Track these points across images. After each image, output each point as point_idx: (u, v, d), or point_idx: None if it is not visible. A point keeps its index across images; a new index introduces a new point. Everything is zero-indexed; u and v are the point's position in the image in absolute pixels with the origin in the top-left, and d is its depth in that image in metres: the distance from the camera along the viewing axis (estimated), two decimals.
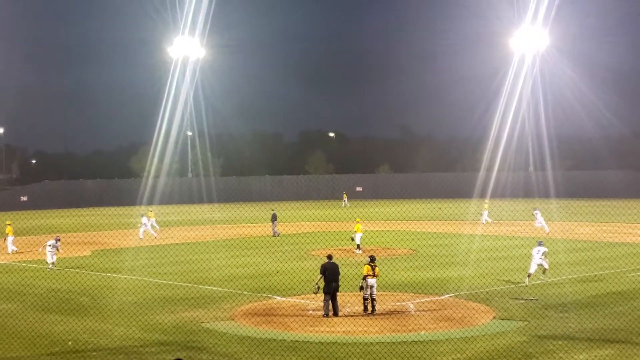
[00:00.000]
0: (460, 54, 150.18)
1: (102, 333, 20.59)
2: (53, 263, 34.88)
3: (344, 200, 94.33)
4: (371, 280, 22.44)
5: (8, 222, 42.87)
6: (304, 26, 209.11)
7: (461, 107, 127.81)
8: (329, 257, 22.92)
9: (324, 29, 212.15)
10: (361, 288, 22.69)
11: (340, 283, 22.34)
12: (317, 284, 22.44)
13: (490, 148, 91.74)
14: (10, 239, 41.53)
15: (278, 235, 49.97)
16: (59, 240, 35.65)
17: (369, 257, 23.17)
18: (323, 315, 22.15)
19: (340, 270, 22.56)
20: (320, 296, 22.60)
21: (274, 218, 50.83)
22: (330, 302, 22.24)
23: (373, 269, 22.53)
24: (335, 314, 22.20)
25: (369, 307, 22.67)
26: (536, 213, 51.62)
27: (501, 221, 57.00)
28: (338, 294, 22.46)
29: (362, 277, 22.74)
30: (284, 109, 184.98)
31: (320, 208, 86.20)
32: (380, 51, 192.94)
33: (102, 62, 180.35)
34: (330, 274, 22.21)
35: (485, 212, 58.20)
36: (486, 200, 63.18)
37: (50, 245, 35.11)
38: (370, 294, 22.55)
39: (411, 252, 39.21)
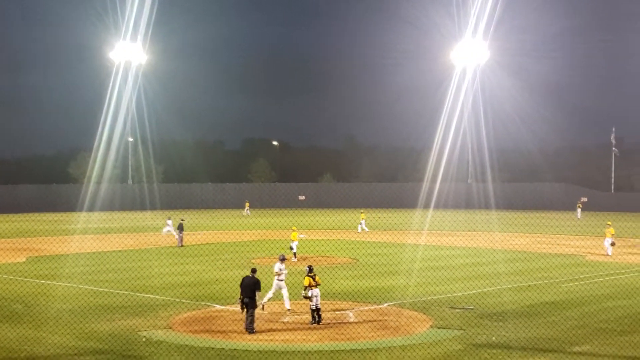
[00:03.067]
0: (403, 66, 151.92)
1: (36, 341, 20.14)
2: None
3: (246, 209, 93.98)
4: (315, 290, 22.30)
5: None
6: (248, 34, 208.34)
7: (405, 119, 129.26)
8: (253, 270, 21.92)
9: (269, 36, 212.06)
10: (308, 297, 22.46)
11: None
12: (239, 298, 21.33)
13: (433, 160, 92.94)
14: None
15: (181, 245, 47.65)
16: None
17: (307, 267, 23.10)
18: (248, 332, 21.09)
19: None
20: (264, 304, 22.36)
21: (180, 227, 48.50)
22: (251, 316, 21.11)
23: (314, 279, 22.44)
24: (249, 330, 21.02)
25: (316, 317, 22.50)
26: (169, 222, 52.80)
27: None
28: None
29: (302, 287, 22.66)
30: (227, 116, 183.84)
31: (263, 216, 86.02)
32: (326, 61, 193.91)
33: (43, 66, 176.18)
34: (245, 289, 21.17)
35: (363, 222, 60.69)
36: (362, 210, 65.41)
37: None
38: (315, 304, 22.40)
39: (352, 261, 39.43)
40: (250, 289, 21.15)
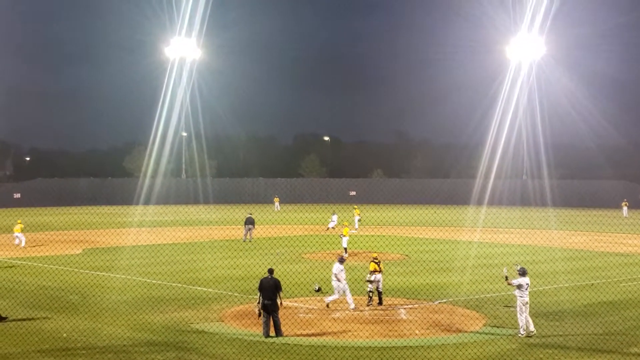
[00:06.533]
0: (457, 61, 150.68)
1: (91, 332, 20.45)
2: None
3: (276, 204, 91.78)
4: (377, 276, 24.32)
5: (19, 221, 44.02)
6: (301, 29, 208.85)
7: (458, 114, 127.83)
8: (270, 271, 20.70)
9: (321, 32, 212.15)
10: (370, 281, 24.38)
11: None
12: (258, 303, 20.24)
13: (487, 155, 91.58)
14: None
15: (250, 241, 46.96)
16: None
17: (373, 258, 24.93)
18: (263, 335, 19.93)
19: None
20: (315, 299, 22.26)
21: (248, 222, 47.76)
22: (269, 320, 19.95)
23: (378, 265, 24.53)
24: (277, 333, 19.84)
25: (375, 299, 24.41)
26: None
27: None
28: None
29: (369, 272, 24.53)
30: (279, 111, 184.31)
31: (314, 211, 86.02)
32: (378, 56, 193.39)
33: (99, 61, 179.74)
34: (265, 291, 20.08)
35: (357, 218, 58.74)
36: (355, 206, 63.92)
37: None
38: (377, 288, 24.45)
39: (403, 258, 39.12)
40: (271, 290, 20.11)
